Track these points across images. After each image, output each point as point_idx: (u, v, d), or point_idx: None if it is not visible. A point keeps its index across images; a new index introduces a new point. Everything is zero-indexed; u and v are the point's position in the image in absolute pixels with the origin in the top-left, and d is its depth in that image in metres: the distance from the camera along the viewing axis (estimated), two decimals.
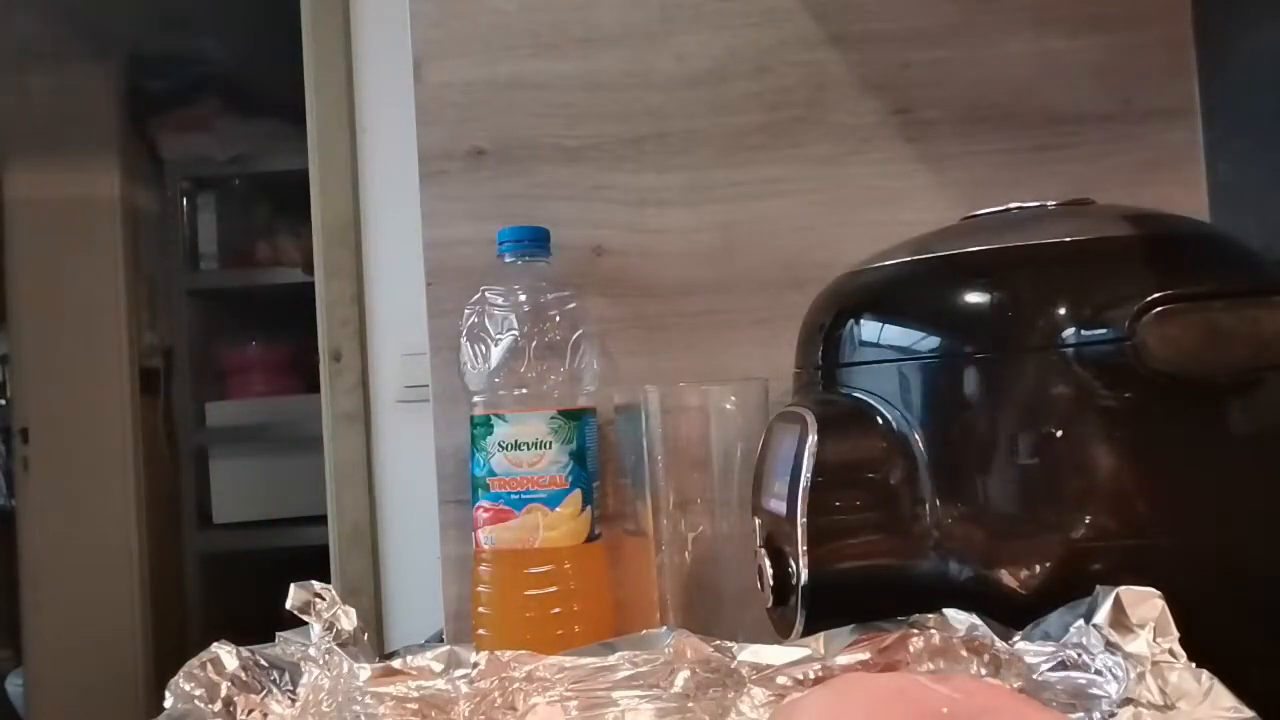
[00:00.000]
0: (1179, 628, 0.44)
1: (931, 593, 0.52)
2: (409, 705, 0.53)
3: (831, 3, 0.88)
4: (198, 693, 0.48)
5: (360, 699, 0.53)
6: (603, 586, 0.76)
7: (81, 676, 2.32)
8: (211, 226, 2.54)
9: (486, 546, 0.73)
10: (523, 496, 0.72)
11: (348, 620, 0.55)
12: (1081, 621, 0.46)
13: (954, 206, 0.68)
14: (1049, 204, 0.61)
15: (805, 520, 0.56)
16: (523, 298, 0.76)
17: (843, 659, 0.48)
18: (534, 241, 0.78)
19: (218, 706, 0.48)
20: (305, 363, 2.24)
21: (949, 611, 0.50)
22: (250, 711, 0.49)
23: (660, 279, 0.88)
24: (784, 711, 0.44)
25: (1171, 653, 0.43)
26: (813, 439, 0.57)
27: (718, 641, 0.52)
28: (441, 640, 0.87)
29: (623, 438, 0.81)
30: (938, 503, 0.54)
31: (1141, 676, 0.42)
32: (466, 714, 0.51)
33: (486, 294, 0.76)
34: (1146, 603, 0.45)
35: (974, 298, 0.57)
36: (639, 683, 0.51)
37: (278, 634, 0.54)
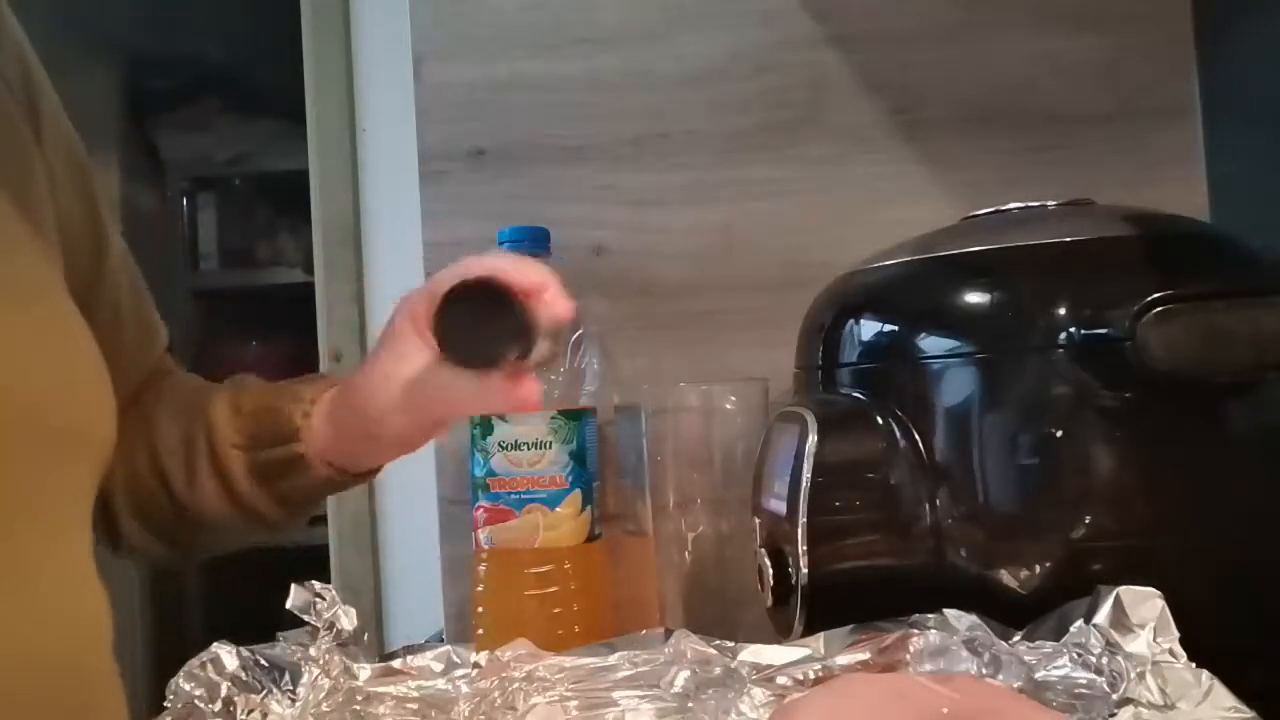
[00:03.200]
0: (1179, 628, 0.44)
1: (931, 593, 0.52)
2: (409, 705, 0.53)
3: (831, 3, 0.88)
4: (198, 693, 0.48)
5: (360, 699, 0.53)
6: (603, 586, 0.76)
7: None
8: (211, 226, 2.53)
9: (486, 546, 0.73)
10: (523, 496, 0.72)
11: (348, 620, 0.55)
12: (1081, 621, 0.46)
13: (954, 206, 0.68)
14: (1049, 204, 0.61)
15: (805, 520, 0.56)
16: None
17: (843, 659, 0.48)
18: (534, 241, 0.78)
19: (218, 706, 0.48)
20: (305, 363, 2.23)
21: (949, 611, 0.50)
22: (250, 711, 0.49)
23: (660, 279, 0.88)
24: (784, 711, 0.44)
25: (1171, 653, 0.43)
26: (813, 439, 0.57)
27: (718, 641, 0.52)
28: (441, 640, 0.87)
29: (623, 438, 0.81)
30: (938, 503, 0.54)
31: (1141, 676, 0.42)
32: (466, 714, 0.51)
33: None
34: (1146, 603, 0.45)
35: (974, 298, 0.57)
36: (639, 683, 0.51)
37: (278, 634, 0.54)
